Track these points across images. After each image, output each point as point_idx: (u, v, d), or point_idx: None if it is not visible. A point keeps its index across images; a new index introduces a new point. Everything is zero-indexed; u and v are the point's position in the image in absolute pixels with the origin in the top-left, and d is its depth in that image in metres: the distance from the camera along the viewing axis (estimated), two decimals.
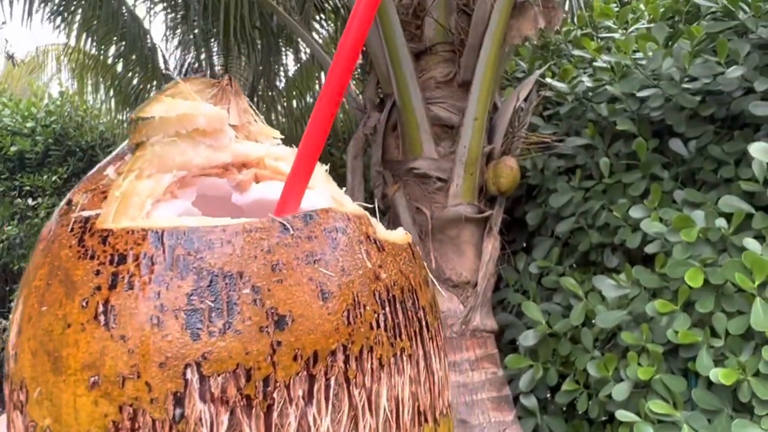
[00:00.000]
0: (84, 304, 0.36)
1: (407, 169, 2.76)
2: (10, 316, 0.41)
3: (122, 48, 5.96)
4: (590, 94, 3.24)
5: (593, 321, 2.74)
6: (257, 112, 0.45)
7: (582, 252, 3.05)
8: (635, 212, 2.70)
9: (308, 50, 6.00)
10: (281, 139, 0.47)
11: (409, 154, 2.76)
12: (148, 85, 6.36)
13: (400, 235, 0.44)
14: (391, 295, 0.40)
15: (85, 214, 0.38)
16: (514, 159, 2.72)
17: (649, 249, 2.62)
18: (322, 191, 0.43)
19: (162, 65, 5.98)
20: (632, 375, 2.38)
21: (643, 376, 2.32)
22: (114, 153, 0.43)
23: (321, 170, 0.44)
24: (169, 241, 0.35)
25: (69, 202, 0.40)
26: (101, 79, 6.18)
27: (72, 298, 0.36)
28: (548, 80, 3.23)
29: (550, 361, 2.85)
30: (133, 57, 6.07)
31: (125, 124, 7.33)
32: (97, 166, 0.42)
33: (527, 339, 2.84)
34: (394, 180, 2.81)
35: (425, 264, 0.46)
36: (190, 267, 0.35)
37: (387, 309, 0.39)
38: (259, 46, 5.56)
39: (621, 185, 2.95)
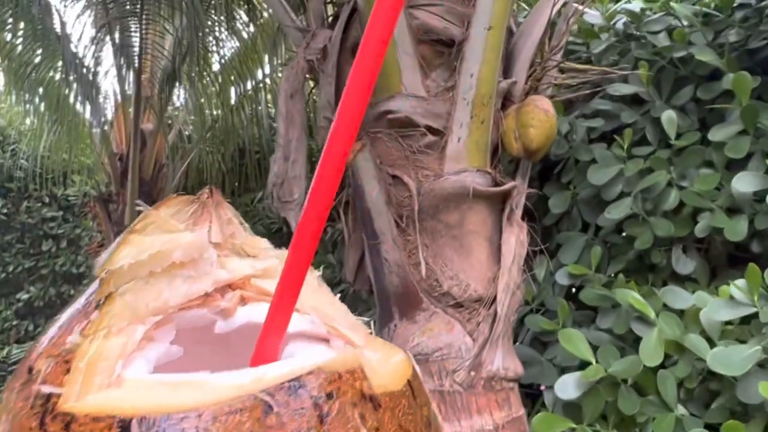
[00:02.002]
0: None
1: (378, 115, 1.69)
2: None
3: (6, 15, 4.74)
4: (634, 25, 2.25)
5: (675, 359, 1.71)
6: (242, 220, 0.42)
7: (637, 252, 2.03)
8: (742, 183, 1.69)
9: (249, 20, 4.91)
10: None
11: (380, 91, 1.68)
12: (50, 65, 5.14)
13: (399, 371, 0.39)
14: None
15: (46, 389, 0.34)
16: (548, 100, 1.68)
17: None
18: (310, 310, 0.39)
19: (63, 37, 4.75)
20: None
21: None
22: (81, 302, 0.39)
23: (312, 277, 0.40)
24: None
25: (30, 370, 0.36)
26: None
27: None
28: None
29: (602, 421, 1.81)
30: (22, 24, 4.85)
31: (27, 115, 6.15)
32: (60, 321, 0.38)
33: (567, 389, 1.77)
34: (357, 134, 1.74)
35: (428, 395, 0.39)
36: None
37: None
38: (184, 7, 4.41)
39: (700, 149, 1.94)
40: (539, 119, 1.64)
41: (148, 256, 0.36)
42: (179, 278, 0.37)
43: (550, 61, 1.76)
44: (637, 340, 1.89)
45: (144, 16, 4.78)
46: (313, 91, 1.98)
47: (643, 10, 2.12)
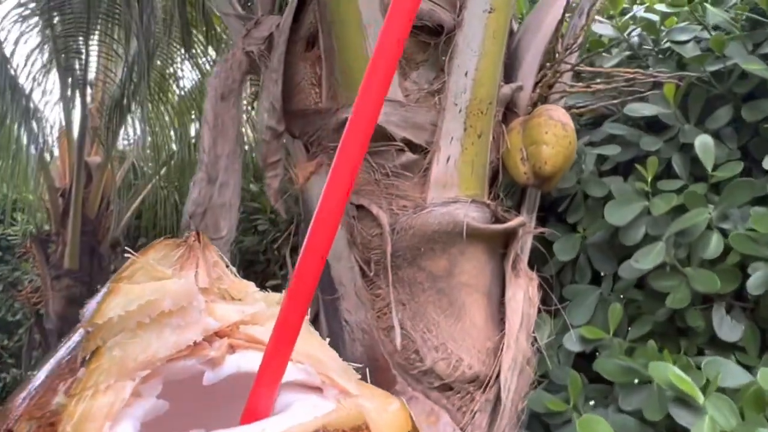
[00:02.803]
0: None
1: (338, 124, 1.25)
2: None
3: None
4: (652, 37, 1.88)
5: None
6: (228, 263, 0.41)
7: (667, 312, 1.60)
8: None
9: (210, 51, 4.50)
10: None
11: (342, 95, 1.25)
12: None
13: (398, 422, 0.37)
14: None
15: None
16: (565, 111, 1.27)
17: None
18: (303, 358, 0.38)
19: None
20: None
21: None
22: (62, 357, 0.36)
23: (313, 337, 0.40)
24: None
25: None
26: None
27: None
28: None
29: None
30: None
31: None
32: (39, 378, 0.35)
33: None
34: (310, 151, 1.30)
35: None
36: None
37: None
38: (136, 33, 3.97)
39: (747, 183, 1.54)
40: (555, 134, 1.22)
41: (138, 307, 0.35)
42: (168, 328, 0.36)
43: (564, 63, 1.36)
44: (674, 427, 1.45)
45: (93, 37, 4.34)
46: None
47: (665, 15, 1.74)
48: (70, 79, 4.56)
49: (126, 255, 0.38)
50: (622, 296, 1.71)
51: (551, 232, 1.53)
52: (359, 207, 1.23)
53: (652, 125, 1.86)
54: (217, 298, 0.40)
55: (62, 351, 0.37)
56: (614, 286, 1.71)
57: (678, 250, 1.57)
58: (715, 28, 1.80)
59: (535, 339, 1.22)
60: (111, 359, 0.34)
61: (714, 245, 1.51)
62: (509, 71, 1.37)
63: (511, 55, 1.39)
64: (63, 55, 4.46)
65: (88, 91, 4.89)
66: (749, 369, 1.44)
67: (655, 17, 1.85)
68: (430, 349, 1.15)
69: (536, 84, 1.36)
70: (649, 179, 1.66)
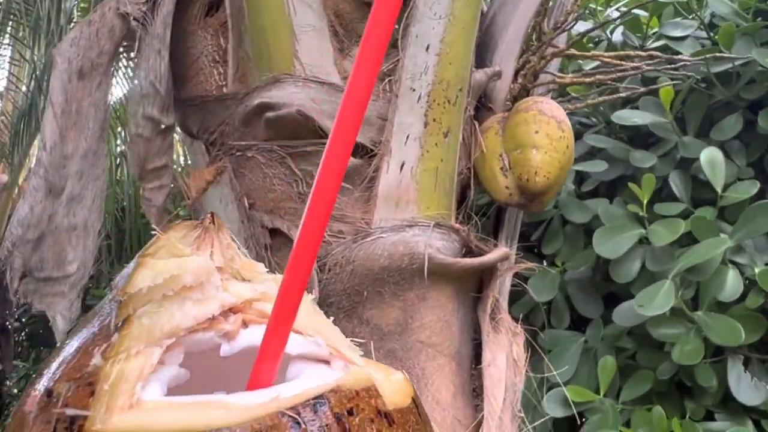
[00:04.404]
0: None
1: (248, 114, 0.88)
2: None
3: None
4: (639, 35, 1.58)
5: None
6: (239, 244, 0.42)
7: (671, 368, 1.27)
8: None
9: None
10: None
11: (253, 75, 0.88)
12: None
13: (402, 389, 0.39)
14: None
15: (71, 412, 0.34)
16: (558, 104, 0.94)
17: None
18: (313, 332, 0.39)
19: None
20: None
21: None
22: (97, 324, 0.38)
23: (307, 300, 0.40)
24: None
25: (49, 393, 0.36)
26: None
27: None
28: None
29: None
30: None
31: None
32: (73, 345, 0.37)
33: None
34: (213, 153, 0.92)
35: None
36: None
37: None
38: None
39: (766, 207, 1.24)
40: (548, 134, 0.89)
41: (163, 280, 0.37)
42: (189, 301, 0.38)
43: (551, 47, 1.03)
44: None
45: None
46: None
47: (660, 2, 1.45)
48: None
49: (152, 233, 0.39)
50: (616, 343, 1.39)
51: (539, 266, 1.19)
52: (273, 232, 0.86)
53: (641, 137, 1.56)
54: (230, 276, 0.42)
55: (94, 321, 0.39)
56: (603, 337, 1.39)
57: (685, 291, 1.26)
58: (712, 26, 1.53)
59: (523, 421, 0.87)
60: (140, 327, 0.37)
61: (731, 285, 1.20)
62: (482, 54, 1.03)
63: (483, 34, 1.05)
64: None
65: None
66: None
67: (644, 12, 1.56)
68: None
69: (517, 72, 1.02)
70: (645, 202, 1.35)
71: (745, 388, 1.23)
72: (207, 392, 0.37)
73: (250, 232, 0.87)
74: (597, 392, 1.30)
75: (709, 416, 1.32)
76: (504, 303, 0.95)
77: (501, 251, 0.88)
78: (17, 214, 0.81)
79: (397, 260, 0.83)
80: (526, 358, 0.90)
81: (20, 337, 4.88)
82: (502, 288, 0.95)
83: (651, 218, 1.34)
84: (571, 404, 1.24)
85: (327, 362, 0.39)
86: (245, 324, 0.41)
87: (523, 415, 0.87)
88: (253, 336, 0.40)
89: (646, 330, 1.30)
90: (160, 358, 0.37)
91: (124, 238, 4.09)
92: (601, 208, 1.38)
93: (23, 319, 4.74)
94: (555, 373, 1.11)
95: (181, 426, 0.33)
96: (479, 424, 0.81)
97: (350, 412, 0.36)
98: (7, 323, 3.95)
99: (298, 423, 0.34)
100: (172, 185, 0.94)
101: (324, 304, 0.83)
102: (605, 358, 1.29)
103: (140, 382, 0.35)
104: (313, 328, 0.40)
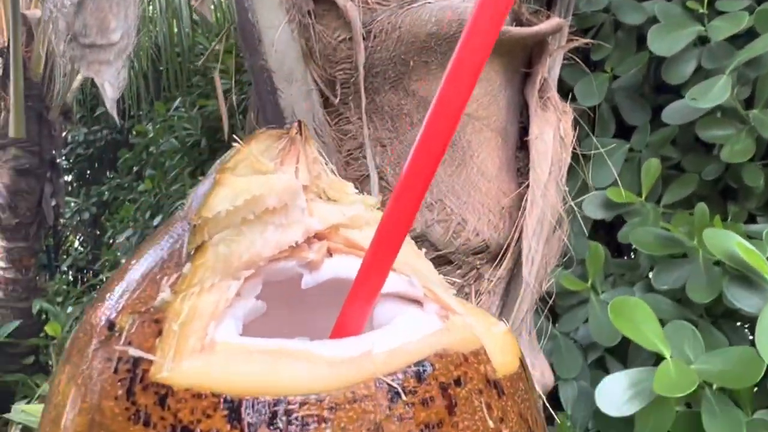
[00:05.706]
0: None
1: None
2: None
3: None
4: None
5: None
6: (326, 159, 0.38)
7: (717, 169, 1.25)
8: None
9: None
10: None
11: None
12: None
13: (508, 348, 0.34)
14: None
15: (134, 353, 0.30)
16: None
17: None
18: (407, 269, 0.35)
19: None
20: None
21: None
22: (166, 247, 0.35)
23: (408, 244, 0.36)
24: (249, 417, 0.28)
25: (111, 326, 0.32)
26: None
27: None
28: None
29: None
30: None
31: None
32: (139, 270, 0.34)
33: (613, 399, 1.03)
34: None
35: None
36: None
37: None
38: None
39: None
40: None
41: (244, 202, 0.33)
42: (271, 226, 0.34)
43: None
44: (730, 314, 1.18)
45: None
46: None
47: None
48: None
49: (233, 144, 0.36)
50: (656, 154, 1.37)
51: (591, 41, 1.14)
52: (317, 1, 0.83)
53: None
54: (315, 197, 0.38)
55: (163, 242, 0.36)
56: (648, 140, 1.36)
57: (741, 88, 1.21)
58: None
59: (567, 194, 0.88)
60: (217, 256, 0.34)
61: None
62: None
63: None
64: None
65: None
66: None
67: None
68: (420, 208, 0.79)
69: None
70: None
71: None
72: (284, 327, 0.35)
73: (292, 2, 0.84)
74: (639, 196, 1.30)
75: (751, 220, 1.32)
76: (553, 83, 0.92)
77: (554, 21, 0.84)
78: None
79: (444, 27, 0.80)
80: (574, 135, 0.89)
81: (69, 177, 5.08)
82: (552, 66, 0.92)
83: (713, 17, 1.26)
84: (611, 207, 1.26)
85: (419, 303, 0.35)
86: (330, 253, 0.37)
87: (566, 189, 0.88)
88: (339, 267, 0.36)
89: (693, 137, 1.28)
90: (237, 291, 0.34)
91: (161, 77, 4.08)
92: (658, 6, 1.30)
93: (70, 159, 4.90)
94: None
95: (261, 382, 0.29)
96: (523, 194, 0.82)
97: (457, 382, 0.31)
98: (57, 160, 4.08)
99: (398, 394, 0.30)
100: None
101: (369, 74, 0.82)
102: (650, 161, 1.28)
103: (214, 320, 0.32)
104: (405, 261, 0.36)
